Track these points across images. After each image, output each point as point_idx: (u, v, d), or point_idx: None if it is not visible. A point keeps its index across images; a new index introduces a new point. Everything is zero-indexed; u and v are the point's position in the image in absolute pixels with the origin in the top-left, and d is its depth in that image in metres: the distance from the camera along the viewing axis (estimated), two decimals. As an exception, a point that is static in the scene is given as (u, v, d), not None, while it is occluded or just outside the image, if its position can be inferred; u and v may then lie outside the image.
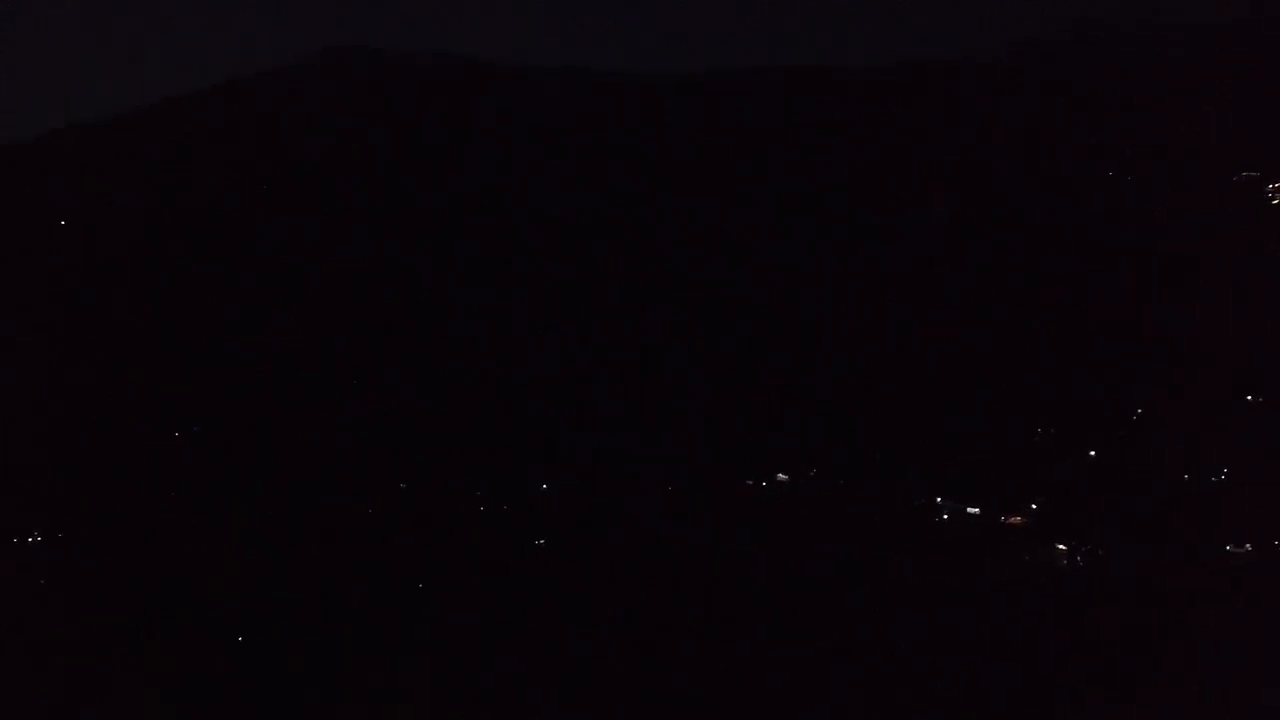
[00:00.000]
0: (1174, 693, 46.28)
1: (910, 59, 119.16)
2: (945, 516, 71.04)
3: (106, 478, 71.19)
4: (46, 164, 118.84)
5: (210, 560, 61.32)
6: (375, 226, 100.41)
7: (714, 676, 50.06)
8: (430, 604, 56.41)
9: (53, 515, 67.01)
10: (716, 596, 59.01)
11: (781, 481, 73.05)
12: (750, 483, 72.93)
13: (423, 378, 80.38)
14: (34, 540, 62.37)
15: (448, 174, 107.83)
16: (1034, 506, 73.27)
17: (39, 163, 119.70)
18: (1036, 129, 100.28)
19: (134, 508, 69.27)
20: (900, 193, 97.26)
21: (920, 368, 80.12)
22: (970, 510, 72.91)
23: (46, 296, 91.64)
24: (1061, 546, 69.09)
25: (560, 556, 62.39)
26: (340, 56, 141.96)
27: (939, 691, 49.27)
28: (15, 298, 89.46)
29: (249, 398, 78.93)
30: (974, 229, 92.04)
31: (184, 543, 63.69)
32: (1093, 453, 75.11)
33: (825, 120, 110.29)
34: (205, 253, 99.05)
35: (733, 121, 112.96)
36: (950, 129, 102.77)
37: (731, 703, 48.99)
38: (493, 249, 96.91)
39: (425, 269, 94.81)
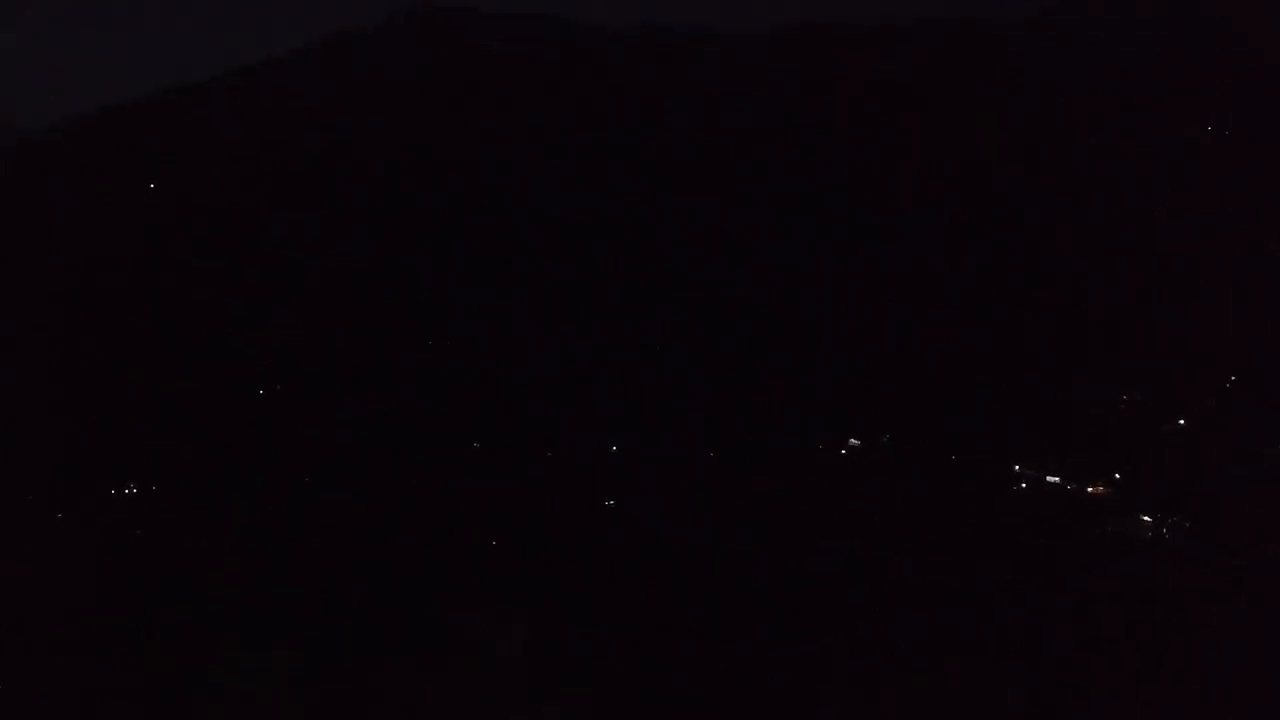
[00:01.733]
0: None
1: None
2: (1024, 485, 67.91)
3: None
4: (134, 129, 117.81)
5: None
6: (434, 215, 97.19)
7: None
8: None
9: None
10: (792, 566, 57.06)
11: (854, 447, 70.58)
12: (822, 448, 70.66)
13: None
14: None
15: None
16: (1117, 476, 69.71)
17: (135, 125, 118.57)
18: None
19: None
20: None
21: (984, 336, 76.93)
22: (1050, 479, 69.59)
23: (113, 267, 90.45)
24: (1147, 518, 65.62)
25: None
26: (431, 18, 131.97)
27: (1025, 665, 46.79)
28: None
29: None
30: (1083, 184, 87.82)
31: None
32: (1182, 421, 71.35)
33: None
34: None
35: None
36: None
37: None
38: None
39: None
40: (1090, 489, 68.05)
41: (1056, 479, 68.79)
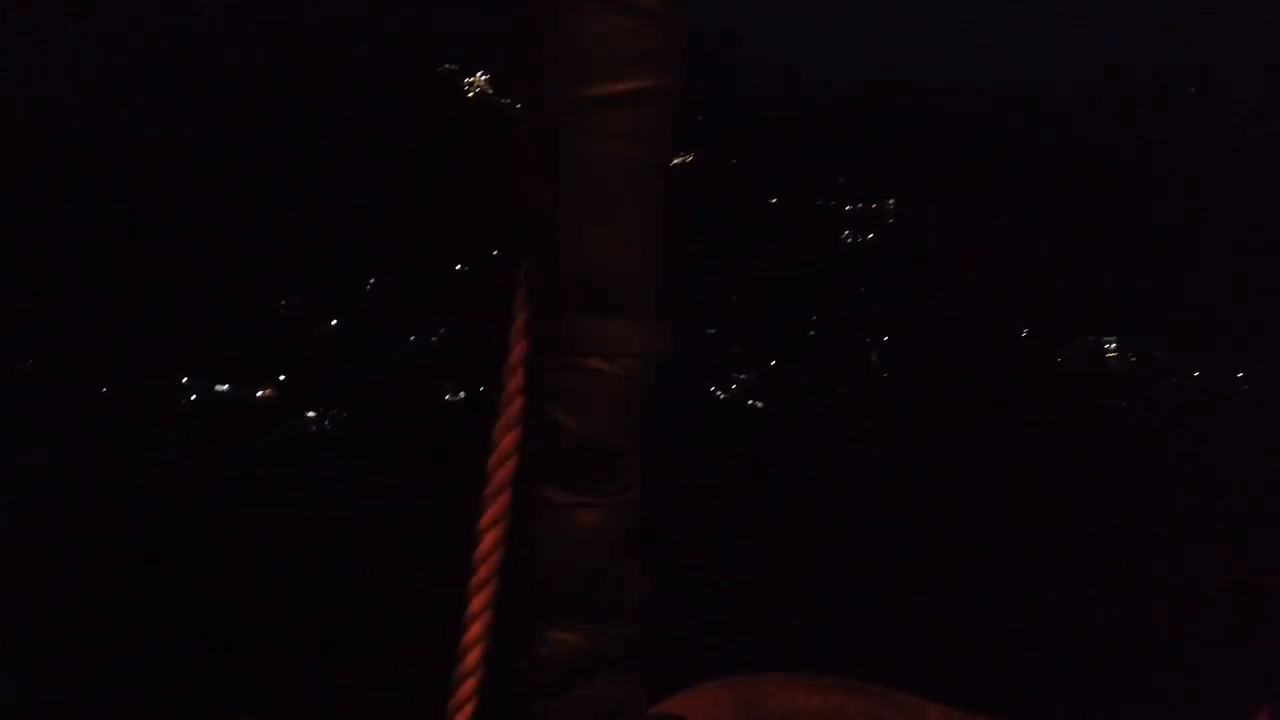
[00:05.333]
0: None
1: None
2: (194, 397, 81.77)
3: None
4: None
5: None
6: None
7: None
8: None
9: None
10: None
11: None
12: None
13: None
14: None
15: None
16: (281, 378, 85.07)
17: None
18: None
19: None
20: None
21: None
22: (219, 388, 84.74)
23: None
24: (311, 414, 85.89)
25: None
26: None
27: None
28: None
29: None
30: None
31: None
32: (334, 322, 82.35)
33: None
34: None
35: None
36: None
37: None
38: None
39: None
40: (260, 393, 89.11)
41: (225, 387, 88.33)
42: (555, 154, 1.40)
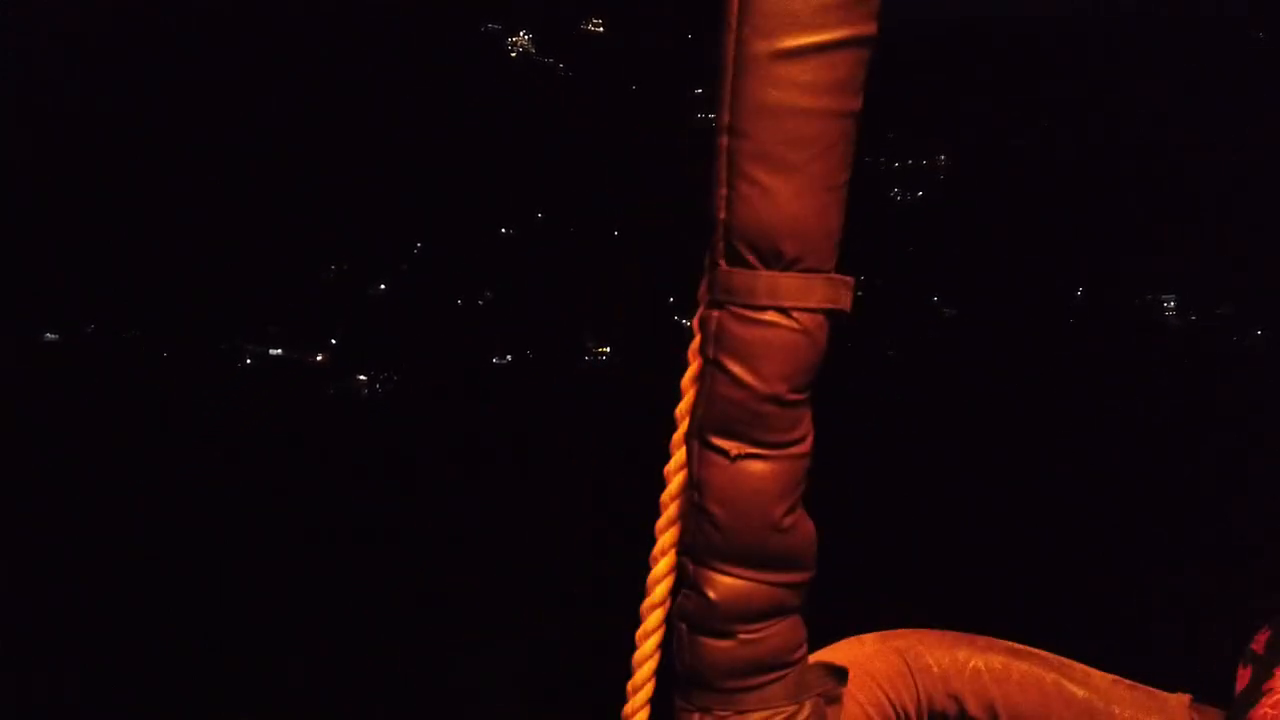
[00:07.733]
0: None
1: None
2: (250, 361, 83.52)
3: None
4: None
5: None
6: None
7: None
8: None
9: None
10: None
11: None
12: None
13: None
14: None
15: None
16: (333, 342, 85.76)
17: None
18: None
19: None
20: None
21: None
22: (274, 352, 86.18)
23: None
24: (362, 378, 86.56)
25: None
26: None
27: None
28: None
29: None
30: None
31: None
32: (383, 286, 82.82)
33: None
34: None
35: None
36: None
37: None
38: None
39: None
40: (317, 358, 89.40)
41: (279, 351, 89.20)
42: (742, 108, 1.39)
